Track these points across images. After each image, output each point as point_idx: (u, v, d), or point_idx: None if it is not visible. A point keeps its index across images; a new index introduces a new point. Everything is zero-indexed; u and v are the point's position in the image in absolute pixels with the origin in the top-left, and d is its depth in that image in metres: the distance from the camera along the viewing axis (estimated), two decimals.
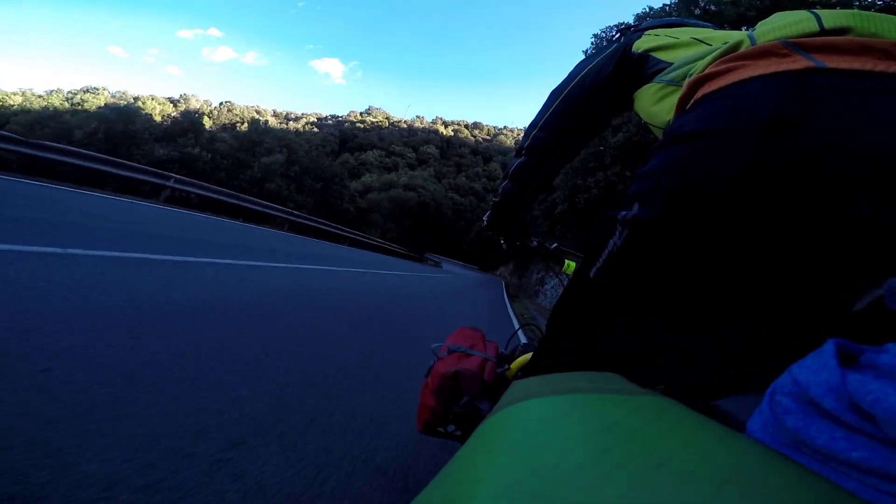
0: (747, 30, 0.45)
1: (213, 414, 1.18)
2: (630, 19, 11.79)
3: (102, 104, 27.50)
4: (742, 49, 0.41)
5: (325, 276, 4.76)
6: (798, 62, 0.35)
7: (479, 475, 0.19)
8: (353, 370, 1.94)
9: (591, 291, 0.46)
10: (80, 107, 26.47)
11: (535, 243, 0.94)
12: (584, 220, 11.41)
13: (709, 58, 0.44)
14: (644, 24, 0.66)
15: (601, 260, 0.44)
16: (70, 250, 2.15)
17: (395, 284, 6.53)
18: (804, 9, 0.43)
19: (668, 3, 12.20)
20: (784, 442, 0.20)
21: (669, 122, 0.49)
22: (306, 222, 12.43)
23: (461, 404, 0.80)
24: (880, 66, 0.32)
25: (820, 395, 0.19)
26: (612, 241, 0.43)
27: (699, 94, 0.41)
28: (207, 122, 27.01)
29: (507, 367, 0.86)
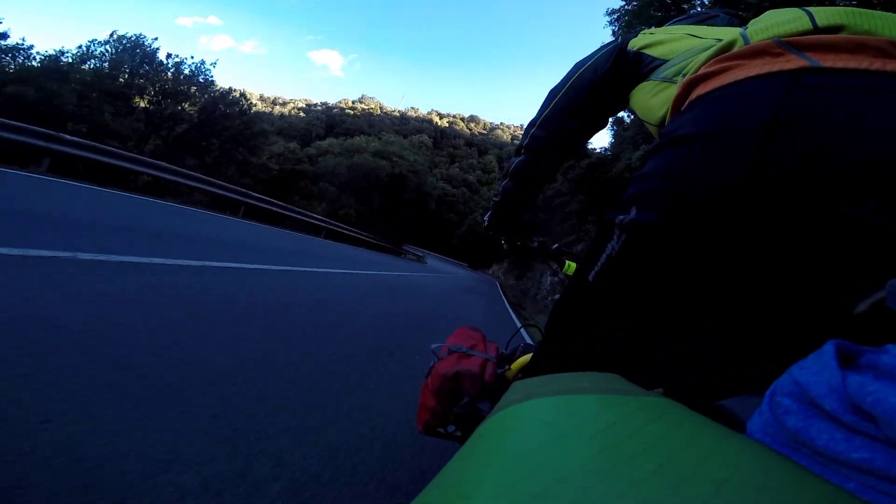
0: (741, 27, 0.45)
1: None
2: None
3: None
4: (735, 48, 0.41)
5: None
6: (792, 61, 0.35)
7: (479, 475, 0.19)
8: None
9: (591, 295, 0.46)
10: None
11: (535, 243, 0.94)
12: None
13: (702, 56, 0.44)
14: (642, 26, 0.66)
15: (599, 264, 0.44)
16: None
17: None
18: (797, 7, 0.43)
19: None
20: (784, 443, 0.20)
21: (664, 118, 0.49)
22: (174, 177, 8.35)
23: (461, 405, 0.80)
24: (876, 65, 0.32)
25: (820, 396, 0.19)
26: (610, 246, 0.43)
27: (694, 95, 0.41)
28: None
29: (507, 367, 0.86)
